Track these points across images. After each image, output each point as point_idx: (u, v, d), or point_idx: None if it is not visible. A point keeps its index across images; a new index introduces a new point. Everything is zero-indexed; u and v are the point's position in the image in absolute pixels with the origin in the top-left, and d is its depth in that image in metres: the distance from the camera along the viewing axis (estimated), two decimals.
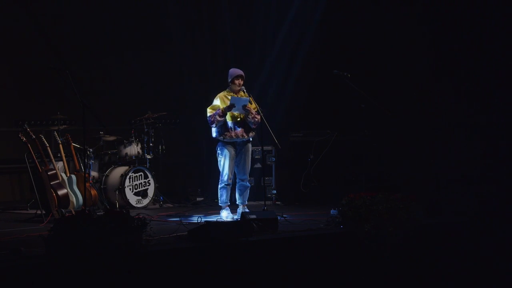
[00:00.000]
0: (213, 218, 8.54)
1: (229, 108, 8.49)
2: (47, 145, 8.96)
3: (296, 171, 10.78)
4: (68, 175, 9.01)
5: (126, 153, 10.31)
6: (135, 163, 10.36)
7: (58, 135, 9.44)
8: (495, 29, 10.75)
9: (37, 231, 7.29)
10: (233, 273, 6.46)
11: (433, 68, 11.18)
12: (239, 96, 8.67)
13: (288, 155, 10.93)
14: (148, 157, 10.45)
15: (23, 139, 8.75)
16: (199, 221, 7.99)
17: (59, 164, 9.20)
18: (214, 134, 8.72)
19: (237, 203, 8.88)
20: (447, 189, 10.24)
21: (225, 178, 8.65)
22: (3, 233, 7.60)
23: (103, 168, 10.30)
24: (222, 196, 8.73)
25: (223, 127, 8.61)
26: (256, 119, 8.60)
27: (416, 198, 7.40)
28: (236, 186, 8.83)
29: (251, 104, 8.61)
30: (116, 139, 10.36)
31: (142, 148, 10.38)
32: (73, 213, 8.47)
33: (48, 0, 11.47)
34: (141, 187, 10.11)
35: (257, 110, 8.62)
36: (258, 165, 10.54)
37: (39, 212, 8.74)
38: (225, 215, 8.70)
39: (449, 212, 8.34)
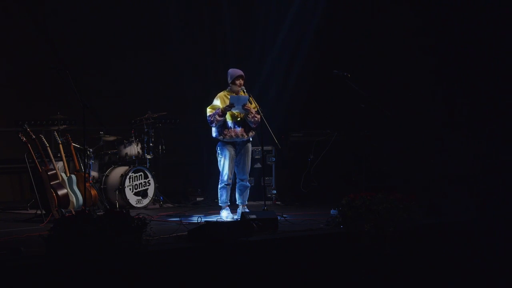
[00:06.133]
0: (213, 218, 8.55)
1: (228, 107, 8.50)
2: (47, 145, 8.97)
3: (296, 171, 10.78)
4: (68, 175, 9.02)
5: (126, 153, 10.31)
6: (135, 163, 10.37)
7: (58, 135, 9.44)
8: (496, 28, 10.75)
9: (37, 231, 7.29)
10: (233, 273, 6.45)
11: (434, 68, 11.17)
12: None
13: (288, 155, 10.94)
14: (148, 157, 10.45)
15: (23, 139, 8.75)
16: (199, 221, 8.00)
17: (59, 164, 9.20)
18: (214, 134, 8.72)
19: (237, 203, 8.88)
20: (447, 189, 10.24)
21: (225, 178, 8.66)
22: (3, 233, 7.60)
23: (103, 168, 10.30)
24: (222, 196, 8.73)
25: (222, 127, 8.61)
26: (256, 119, 8.60)
27: (416, 198, 7.39)
28: (236, 186, 8.83)
29: (251, 103, 8.61)
30: (116, 139, 10.36)
31: (142, 148, 10.38)
32: (73, 213, 8.47)
33: (48, 0, 11.46)
34: (141, 187, 10.11)
35: (257, 110, 8.62)
36: (258, 165, 10.54)
37: (39, 212, 8.75)
38: (225, 215, 8.70)
39: (449, 212, 8.34)
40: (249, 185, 8.93)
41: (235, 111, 8.61)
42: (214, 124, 8.60)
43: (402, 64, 11.29)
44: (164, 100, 11.67)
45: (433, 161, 10.80)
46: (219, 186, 8.76)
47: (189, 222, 8.00)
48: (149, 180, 10.21)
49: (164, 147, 10.72)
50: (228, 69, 8.86)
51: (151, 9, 11.93)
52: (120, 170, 10.09)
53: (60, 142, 9.26)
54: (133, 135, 10.41)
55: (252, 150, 9.00)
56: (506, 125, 10.64)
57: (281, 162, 10.88)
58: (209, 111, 8.63)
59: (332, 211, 7.87)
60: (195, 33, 12.07)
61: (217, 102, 8.65)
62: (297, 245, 7.03)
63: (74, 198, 8.90)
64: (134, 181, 10.05)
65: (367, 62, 11.30)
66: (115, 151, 10.37)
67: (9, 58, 11.24)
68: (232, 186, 8.84)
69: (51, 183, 8.74)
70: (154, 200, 10.33)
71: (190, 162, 12.12)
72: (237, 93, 8.66)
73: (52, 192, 8.69)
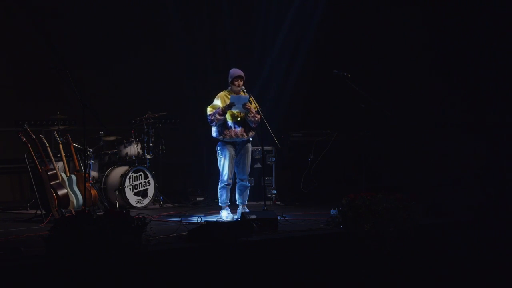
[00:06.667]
0: (213, 218, 8.54)
1: (229, 106, 8.50)
2: (47, 145, 8.96)
3: (296, 171, 10.78)
4: (68, 175, 9.01)
5: (126, 153, 10.31)
6: (135, 163, 10.36)
7: (58, 135, 9.44)
8: (495, 28, 10.75)
9: (37, 231, 7.29)
10: (233, 273, 6.45)
11: (433, 68, 11.18)
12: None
13: (288, 155, 10.94)
14: (148, 157, 10.44)
15: (23, 139, 8.75)
16: (199, 221, 7.99)
17: (59, 164, 9.20)
18: (214, 134, 8.72)
19: (237, 203, 8.88)
20: (447, 189, 10.24)
21: (225, 178, 8.65)
22: (3, 233, 7.60)
23: (103, 168, 10.30)
24: (222, 196, 8.73)
25: (223, 126, 8.61)
26: (256, 118, 8.60)
27: (416, 198, 7.39)
28: (236, 186, 8.83)
29: (251, 103, 8.61)
30: (116, 139, 10.36)
31: (142, 148, 10.38)
32: (73, 213, 8.47)
33: (48, 0, 11.47)
34: (141, 187, 10.11)
35: (257, 110, 8.62)
36: (258, 165, 10.54)
37: (39, 212, 8.74)
38: (225, 215, 8.70)
39: (449, 212, 8.34)
40: (249, 185, 8.92)
41: (235, 111, 8.61)
42: (214, 124, 8.60)
43: (402, 64, 11.30)
44: (164, 100, 11.66)
45: (433, 161, 10.81)
46: (219, 186, 8.76)
47: (189, 222, 7.99)
48: (149, 180, 10.21)
49: (164, 147, 10.72)
50: (230, 69, 8.86)
51: (151, 9, 11.92)
52: (120, 170, 10.09)
53: (60, 142, 9.26)
54: (133, 135, 10.40)
55: (252, 150, 8.99)
56: (506, 125, 10.65)
57: (281, 162, 10.87)
58: (209, 110, 8.63)
59: (332, 211, 7.87)
60: (195, 33, 12.07)
61: (217, 102, 8.65)
62: (297, 245, 7.02)
63: (74, 198, 8.89)
64: (134, 181, 10.05)
65: (367, 62, 11.30)
66: (115, 151, 10.37)
67: (9, 58, 11.24)
68: (232, 186, 8.84)
69: (51, 183, 8.74)
70: (154, 200, 10.33)
71: (190, 162, 12.11)
72: (237, 93, 8.66)
73: (52, 192, 8.68)
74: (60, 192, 8.74)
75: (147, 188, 10.18)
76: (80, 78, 10.23)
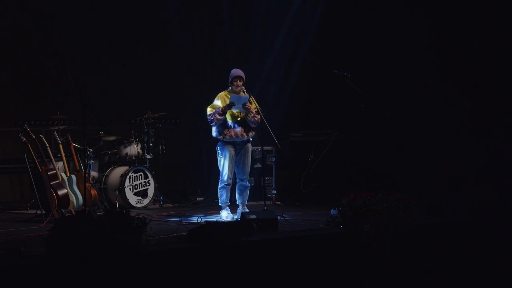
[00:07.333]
0: (213, 218, 8.54)
1: (229, 106, 8.50)
2: (47, 145, 8.97)
3: (296, 171, 10.78)
4: (68, 175, 9.01)
5: (126, 153, 10.31)
6: (135, 163, 10.37)
7: (58, 135, 9.44)
8: (495, 28, 10.75)
9: (37, 231, 7.30)
10: (233, 273, 6.45)
11: (434, 68, 11.18)
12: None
13: (288, 155, 10.94)
14: (148, 157, 10.45)
15: (23, 139, 8.75)
16: (199, 221, 8.00)
17: (59, 164, 9.20)
18: (214, 134, 8.72)
19: (237, 203, 8.88)
20: (447, 189, 10.24)
21: (225, 178, 8.65)
22: (3, 233, 7.60)
23: (103, 168, 10.30)
24: (222, 196, 8.73)
25: (223, 126, 8.61)
26: (256, 119, 8.60)
27: (416, 198, 7.40)
28: (236, 186, 8.83)
29: (251, 103, 8.61)
30: (116, 139, 10.36)
31: (142, 148, 10.38)
32: (73, 213, 8.47)
33: (48, 0, 11.47)
34: (141, 187, 10.11)
35: (257, 110, 8.62)
36: (258, 165, 10.54)
37: (39, 212, 8.75)
38: (225, 215, 8.70)
39: (449, 212, 8.34)
40: (249, 185, 8.92)
41: (235, 111, 8.61)
42: (214, 123, 8.61)
43: (402, 64, 11.30)
44: (164, 100, 11.67)
45: (433, 161, 10.81)
46: (219, 186, 8.76)
47: (189, 222, 7.99)
48: (149, 180, 10.21)
49: (164, 147, 10.72)
50: (230, 69, 8.86)
51: (151, 9, 11.93)
52: (120, 170, 10.09)
53: (60, 142, 9.26)
54: (133, 135, 10.40)
55: (252, 150, 8.99)
56: (506, 125, 10.66)
57: (281, 162, 10.88)
58: (209, 110, 8.63)
59: (332, 211, 7.87)
60: (195, 33, 12.08)
61: (217, 102, 8.65)
62: (297, 245, 7.02)
63: (74, 198, 8.89)
64: (134, 181, 10.05)
65: (367, 62, 11.31)
66: (115, 151, 10.37)
67: (10, 58, 11.23)
68: (232, 186, 8.84)
69: (51, 183, 8.74)
70: (154, 200, 10.33)
71: (190, 162, 12.12)
72: (237, 93, 8.66)
73: (52, 192, 8.68)
74: (60, 192, 8.74)
75: (147, 188, 10.18)
76: (80, 78, 10.22)
